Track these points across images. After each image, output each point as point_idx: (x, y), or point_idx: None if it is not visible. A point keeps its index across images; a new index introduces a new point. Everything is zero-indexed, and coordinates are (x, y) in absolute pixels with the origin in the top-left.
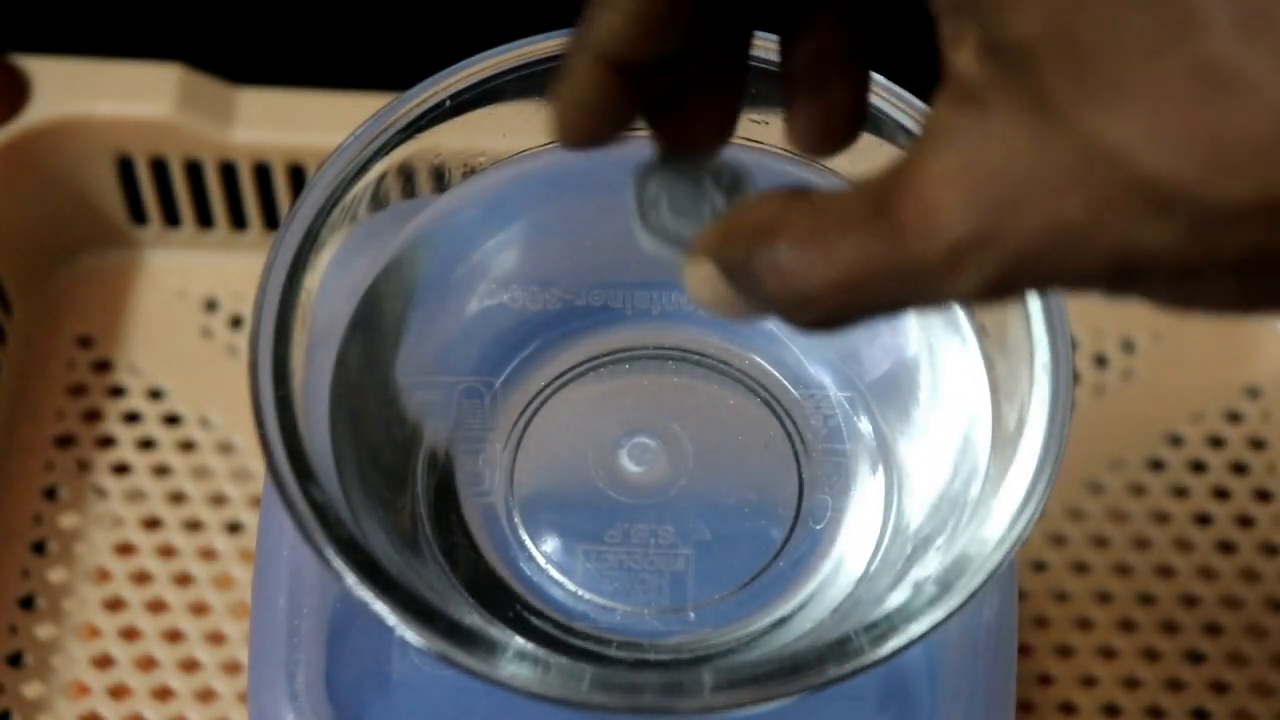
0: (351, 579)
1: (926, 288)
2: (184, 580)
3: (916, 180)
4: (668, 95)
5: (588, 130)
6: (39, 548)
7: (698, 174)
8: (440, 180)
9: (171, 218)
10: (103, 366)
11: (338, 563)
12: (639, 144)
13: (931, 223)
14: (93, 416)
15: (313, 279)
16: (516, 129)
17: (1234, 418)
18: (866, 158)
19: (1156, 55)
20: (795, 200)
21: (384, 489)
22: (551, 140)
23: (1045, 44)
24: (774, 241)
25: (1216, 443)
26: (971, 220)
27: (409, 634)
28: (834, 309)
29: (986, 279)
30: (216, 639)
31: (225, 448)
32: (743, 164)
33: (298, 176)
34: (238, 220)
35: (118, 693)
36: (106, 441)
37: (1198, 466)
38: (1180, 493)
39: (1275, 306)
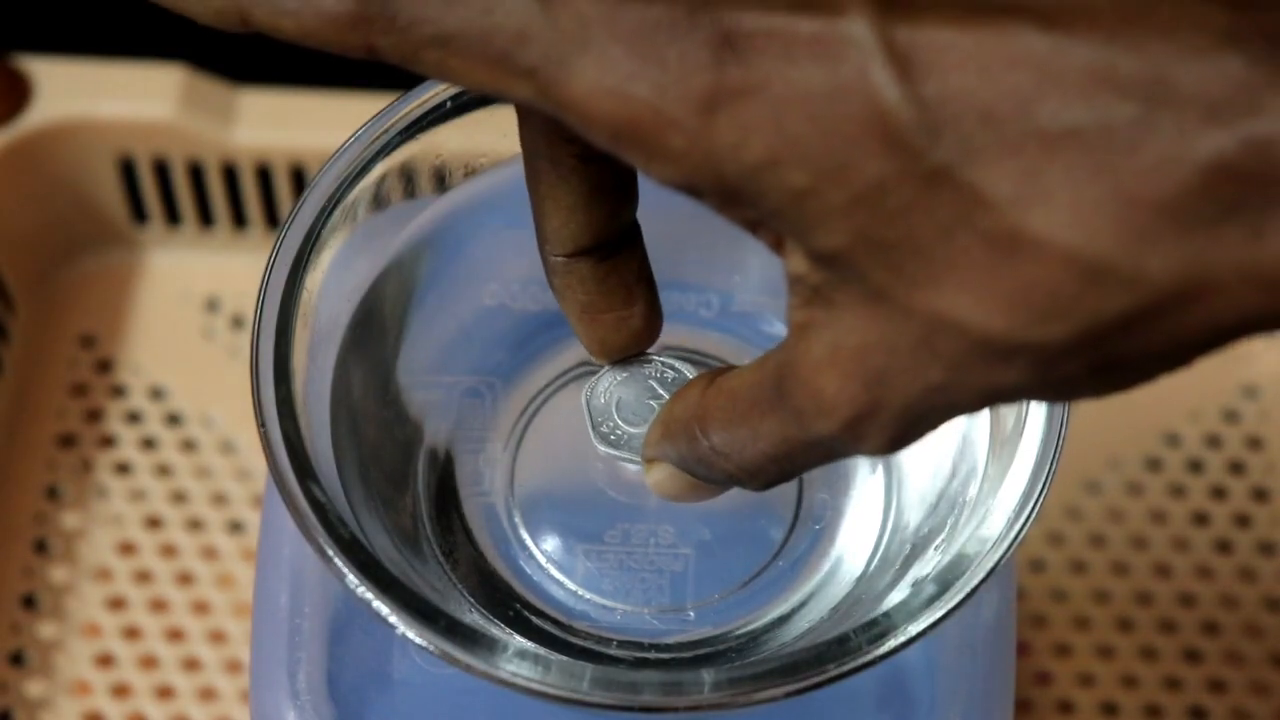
0: (352, 578)
1: (839, 452)
2: (186, 579)
3: (799, 370)
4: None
5: (613, 328)
6: (41, 547)
7: (643, 381)
8: (441, 181)
9: (173, 218)
10: (104, 366)
11: (339, 562)
12: None
13: (822, 406)
14: (94, 416)
15: (314, 279)
16: (517, 129)
17: (1232, 417)
18: None
19: (951, 237)
20: (709, 387)
21: (385, 488)
22: (597, 359)
23: (857, 250)
24: (706, 430)
25: (1214, 442)
26: (854, 398)
27: (410, 633)
28: (776, 474)
29: (886, 439)
30: (218, 638)
31: (227, 447)
32: (683, 363)
33: (299, 177)
34: (239, 220)
35: (120, 691)
36: (108, 441)
37: (1196, 466)
38: (1178, 492)
39: (1138, 384)
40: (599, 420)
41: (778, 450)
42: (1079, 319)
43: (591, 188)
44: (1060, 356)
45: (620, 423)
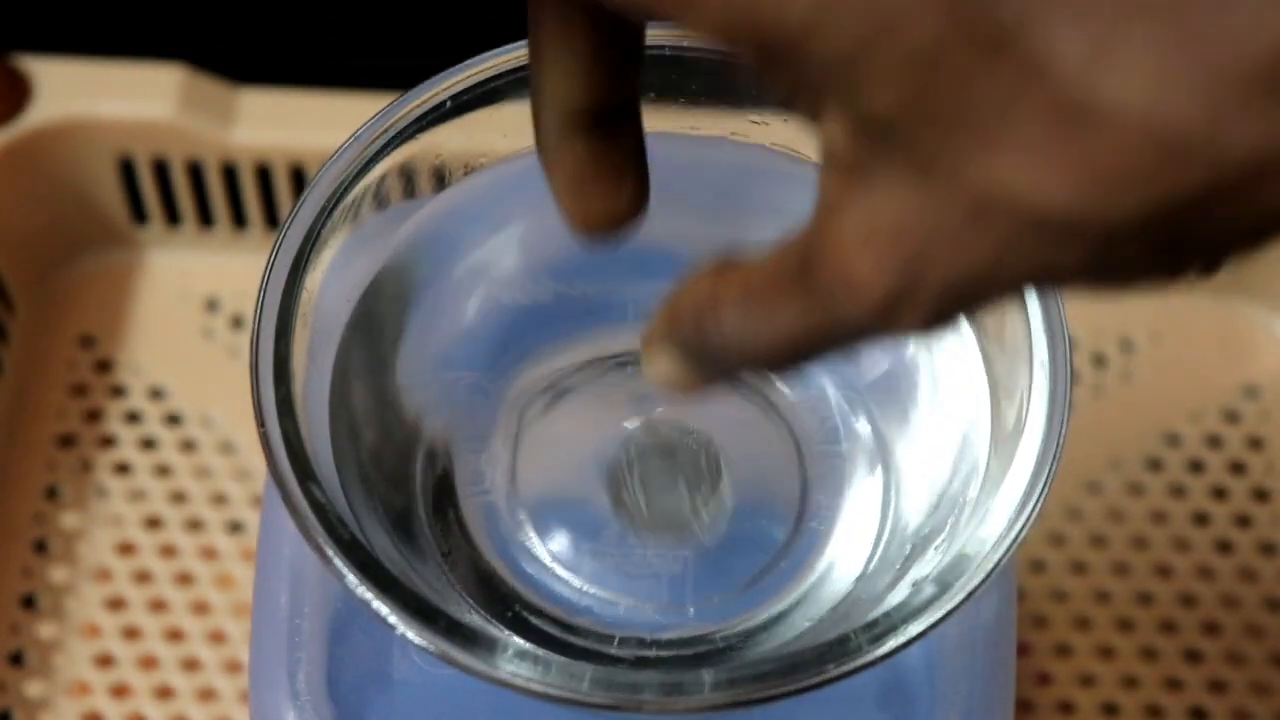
0: (352, 578)
1: (867, 336)
2: (185, 579)
3: (829, 250)
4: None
5: (599, 204)
6: (40, 547)
7: (669, 462)
8: (441, 181)
9: (173, 218)
10: (104, 366)
11: (338, 562)
12: None
13: (854, 287)
14: (94, 416)
15: (314, 279)
16: (516, 129)
17: (1232, 417)
18: None
19: (1013, 105)
20: (723, 273)
21: (384, 488)
22: (576, 234)
23: (906, 116)
24: (718, 313)
25: (1215, 442)
26: (889, 279)
27: (409, 633)
28: (792, 359)
29: (921, 320)
30: (218, 638)
31: (226, 447)
32: (710, 440)
33: (299, 177)
34: (239, 220)
35: (119, 692)
36: (108, 441)
37: (1196, 466)
38: (1179, 492)
39: (1200, 272)
40: (628, 504)
41: (796, 337)
42: (1151, 194)
43: (596, 46)
44: (1124, 235)
45: (650, 509)
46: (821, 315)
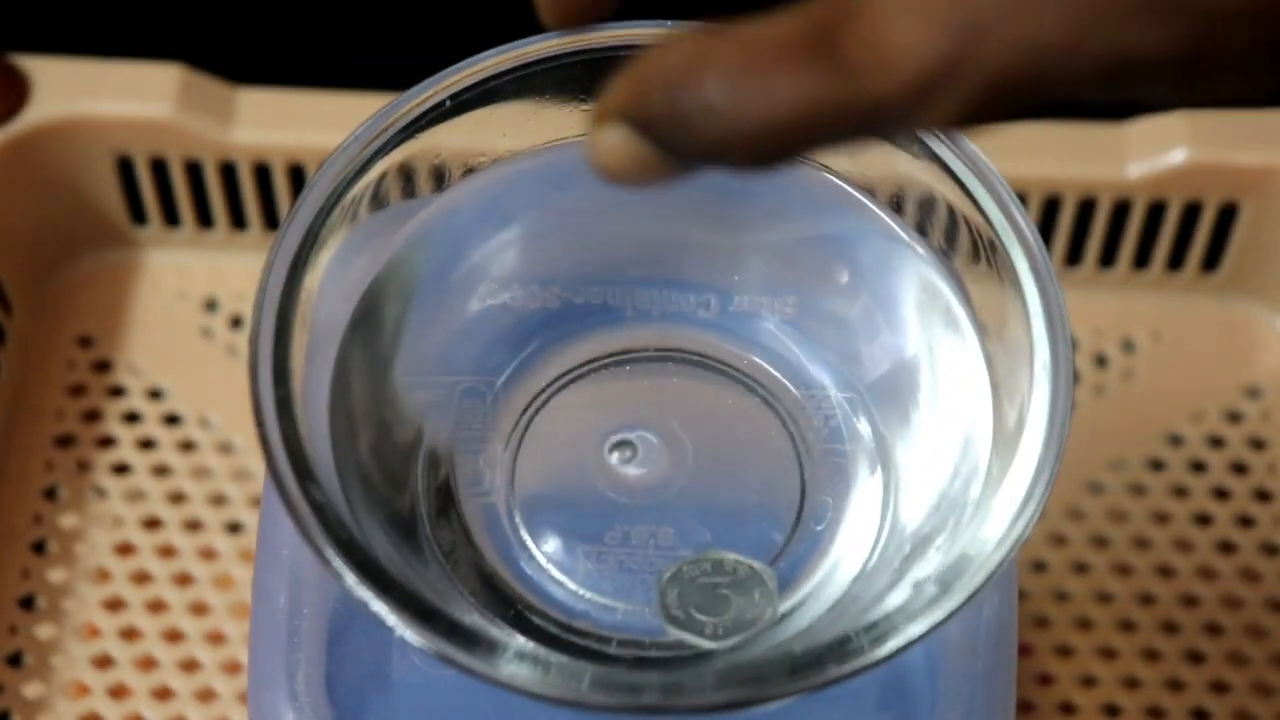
0: (351, 579)
1: (887, 122)
2: (184, 580)
3: (866, 9)
4: None
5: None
6: (39, 548)
7: (714, 578)
8: (440, 180)
9: (171, 218)
10: (102, 366)
11: (337, 563)
12: None
13: (890, 56)
14: (92, 416)
15: (313, 279)
16: (516, 129)
17: (1234, 418)
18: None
19: None
20: (717, 37)
21: (384, 489)
22: (544, 26)
23: None
24: (700, 80)
25: (1217, 443)
26: (937, 49)
27: (409, 634)
28: (776, 148)
29: (957, 109)
30: (216, 639)
31: (225, 448)
32: (756, 567)
33: (298, 176)
34: (238, 220)
35: (118, 693)
36: (106, 441)
37: (1198, 467)
38: (1180, 493)
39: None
40: (674, 612)
41: (796, 113)
42: None
43: None
44: (1230, 18)
45: (693, 611)
46: (837, 90)
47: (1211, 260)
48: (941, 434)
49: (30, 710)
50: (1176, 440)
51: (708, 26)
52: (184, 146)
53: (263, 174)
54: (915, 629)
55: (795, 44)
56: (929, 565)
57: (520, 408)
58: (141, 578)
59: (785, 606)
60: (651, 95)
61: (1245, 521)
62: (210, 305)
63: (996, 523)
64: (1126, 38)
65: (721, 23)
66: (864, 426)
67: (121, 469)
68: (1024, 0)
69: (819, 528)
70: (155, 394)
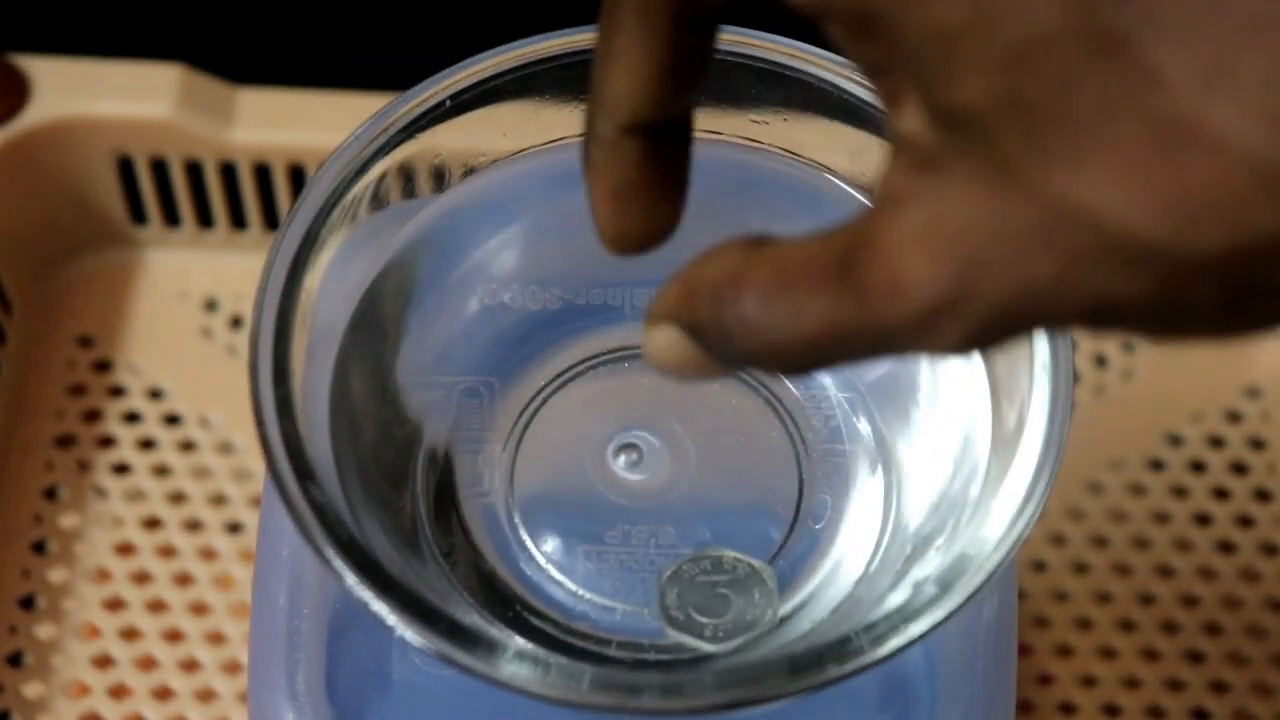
0: (351, 579)
1: (897, 346)
2: (184, 580)
3: (880, 244)
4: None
5: (639, 219)
6: (39, 548)
7: (714, 576)
8: (440, 180)
9: (171, 218)
10: (103, 366)
11: (337, 563)
12: None
13: (899, 288)
14: (93, 416)
15: (313, 279)
16: (516, 129)
17: (1234, 418)
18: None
19: (1114, 115)
20: (754, 252)
21: (384, 489)
22: (606, 246)
23: (995, 110)
24: (739, 296)
25: (1216, 443)
26: (940, 284)
27: (409, 634)
28: (806, 361)
29: (961, 337)
30: (216, 639)
31: (225, 448)
32: (756, 566)
33: (298, 176)
34: (238, 220)
35: (118, 693)
36: (106, 441)
37: (1198, 466)
38: (1180, 493)
39: (1258, 330)
40: (673, 613)
41: (820, 333)
42: (1238, 230)
43: (671, 56)
44: (1199, 272)
45: (694, 613)
46: (853, 316)
47: None
48: (942, 434)
49: (30, 710)
50: (1176, 440)
51: (749, 238)
52: (184, 146)
53: (263, 174)
54: (915, 629)
55: (821, 267)
56: (929, 565)
57: (519, 408)
58: (141, 578)
59: (786, 608)
60: (698, 306)
61: (1245, 521)
62: (210, 305)
63: (996, 523)
64: (1109, 284)
65: (760, 234)
66: (864, 426)
67: (121, 469)
68: (1020, 245)
69: (818, 526)
70: (155, 394)
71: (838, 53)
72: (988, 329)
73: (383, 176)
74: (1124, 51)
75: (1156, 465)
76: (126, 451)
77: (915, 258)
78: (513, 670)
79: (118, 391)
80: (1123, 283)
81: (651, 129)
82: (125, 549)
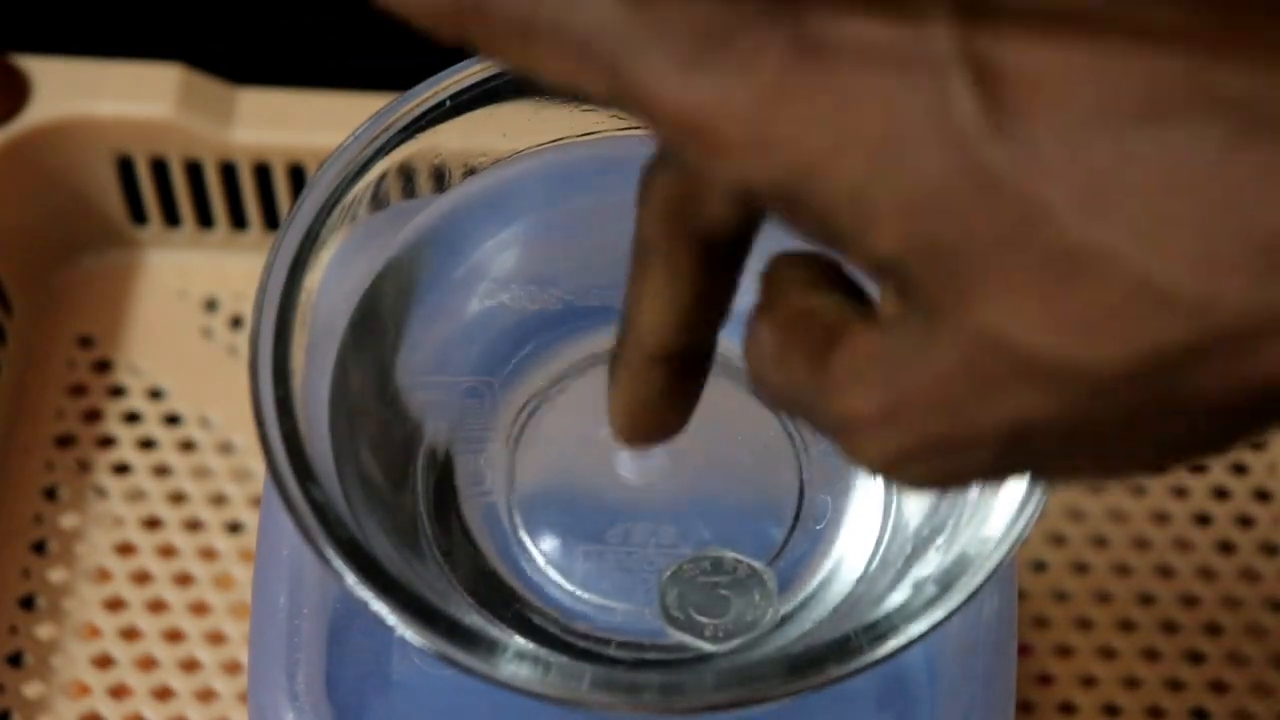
0: (351, 579)
1: (843, 438)
2: (184, 580)
3: (836, 364)
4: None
5: (652, 429)
6: (39, 548)
7: (714, 577)
8: (440, 180)
9: (172, 218)
10: (103, 366)
11: (338, 563)
12: (639, 143)
13: (840, 408)
14: (93, 416)
15: (313, 279)
16: (516, 129)
17: None
18: None
19: (1012, 248)
20: (796, 321)
21: (384, 489)
22: (617, 439)
23: (912, 256)
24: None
25: None
26: (869, 411)
27: (409, 634)
28: (782, 408)
29: (889, 455)
30: (216, 639)
31: (225, 447)
32: (756, 567)
33: (298, 176)
34: (238, 220)
35: (118, 692)
36: (107, 441)
37: (1197, 466)
38: (1180, 493)
39: (1171, 463)
40: (674, 613)
41: (791, 400)
42: (1134, 344)
43: (700, 289)
44: (1105, 387)
45: (695, 613)
46: (816, 398)
47: None
48: None
49: (30, 710)
50: None
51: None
52: (184, 146)
53: (263, 174)
54: (915, 629)
55: (807, 344)
56: (929, 565)
57: (520, 407)
58: (141, 578)
59: (787, 608)
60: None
61: (1245, 521)
62: (210, 305)
63: (996, 522)
64: (1022, 404)
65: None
66: None
67: (121, 469)
68: (944, 376)
69: (819, 526)
70: (155, 394)
71: None
72: (919, 459)
73: (383, 176)
74: (1009, 187)
75: None
76: (126, 451)
77: (852, 387)
78: (513, 670)
79: (118, 391)
80: (1033, 401)
81: (680, 357)
82: (125, 549)
